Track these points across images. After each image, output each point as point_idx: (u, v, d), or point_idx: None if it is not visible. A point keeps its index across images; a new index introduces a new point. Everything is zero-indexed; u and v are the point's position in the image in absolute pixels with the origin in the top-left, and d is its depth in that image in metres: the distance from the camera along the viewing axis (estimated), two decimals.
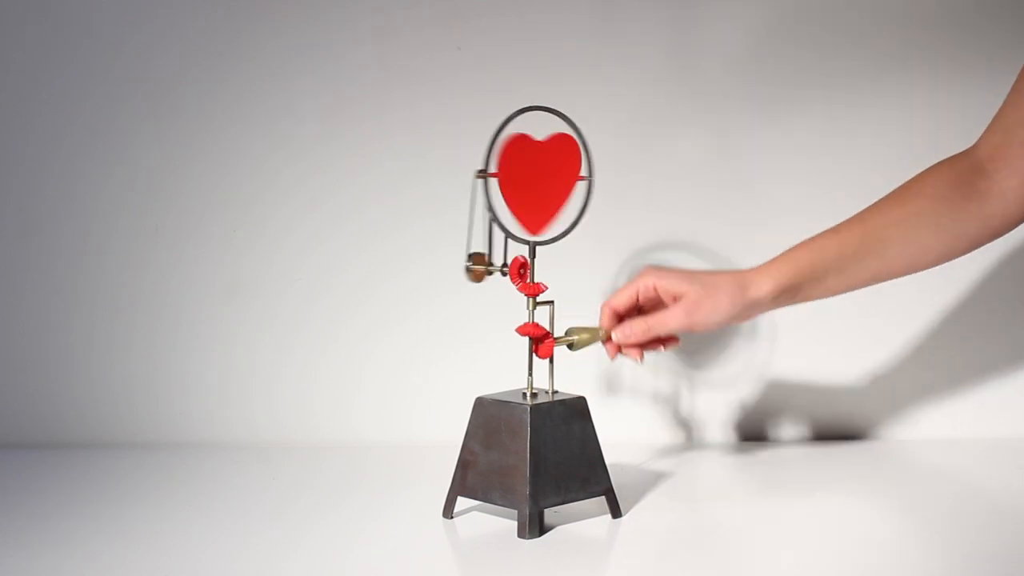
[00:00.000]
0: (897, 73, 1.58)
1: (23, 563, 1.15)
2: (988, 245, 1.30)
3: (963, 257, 1.31)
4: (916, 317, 1.61)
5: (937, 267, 1.31)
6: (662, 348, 1.30)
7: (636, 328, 1.27)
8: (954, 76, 1.58)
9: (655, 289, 1.28)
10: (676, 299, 1.27)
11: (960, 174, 1.28)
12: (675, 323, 1.27)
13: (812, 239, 1.30)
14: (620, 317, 1.29)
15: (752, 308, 1.28)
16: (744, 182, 1.60)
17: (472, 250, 1.23)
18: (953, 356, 1.61)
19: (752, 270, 1.29)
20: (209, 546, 1.19)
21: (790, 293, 1.28)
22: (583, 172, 1.24)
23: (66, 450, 1.58)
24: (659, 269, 1.29)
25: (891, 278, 1.31)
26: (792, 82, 1.59)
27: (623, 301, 1.28)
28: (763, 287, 1.27)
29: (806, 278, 1.28)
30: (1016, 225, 1.28)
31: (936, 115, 1.57)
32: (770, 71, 1.59)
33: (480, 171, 1.20)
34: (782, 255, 1.29)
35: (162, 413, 1.62)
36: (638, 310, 1.29)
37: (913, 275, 1.31)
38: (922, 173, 1.30)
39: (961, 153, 1.30)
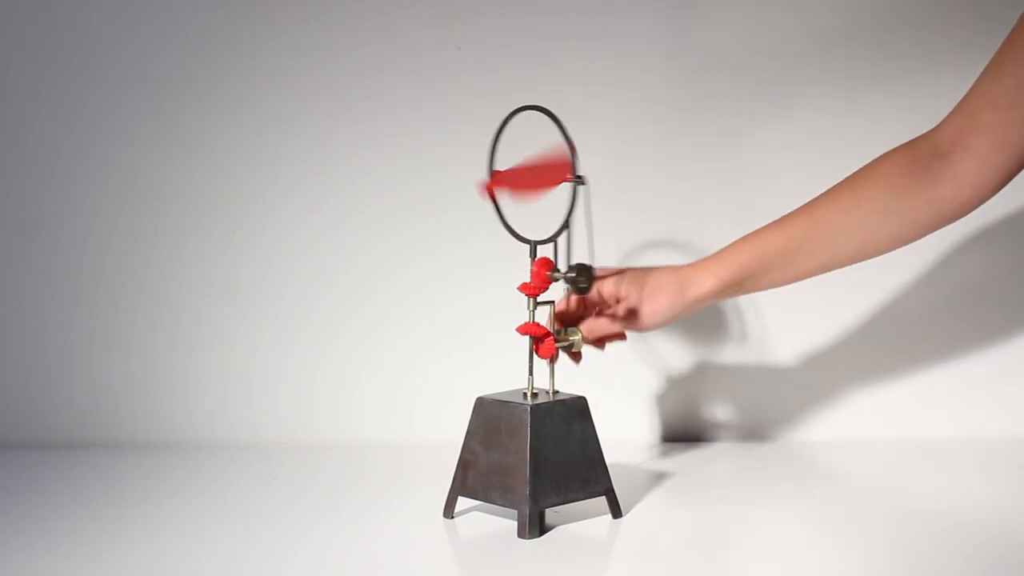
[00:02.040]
0: (897, 71, 1.58)
1: (23, 563, 1.15)
2: (939, 233, 1.29)
3: (912, 246, 1.30)
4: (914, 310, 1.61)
5: (888, 254, 1.31)
6: (603, 346, 1.33)
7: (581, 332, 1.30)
8: (955, 74, 1.57)
9: (597, 292, 1.30)
10: (618, 301, 1.30)
11: (915, 157, 1.26)
12: (615, 326, 1.30)
13: (757, 232, 1.30)
14: (564, 320, 1.31)
15: (693, 305, 1.30)
16: (744, 182, 1.60)
17: (575, 261, 1.23)
18: (952, 353, 1.60)
19: (693, 266, 1.30)
20: (209, 546, 1.19)
21: (734, 288, 1.30)
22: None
23: (66, 450, 1.58)
24: (600, 272, 1.30)
25: (843, 266, 1.31)
26: (792, 82, 1.59)
27: (566, 307, 1.31)
28: (704, 285, 1.29)
29: (750, 272, 1.29)
30: (968, 211, 1.26)
31: (936, 114, 1.57)
32: (770, 71, 1.59)
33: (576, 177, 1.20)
34: (725, 249, 1.31)
35: (162, 413, 1.62)
36: (587, 311, 1.32)
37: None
38: (876, 159, 1.29)
39: (921, 136, 1.28)
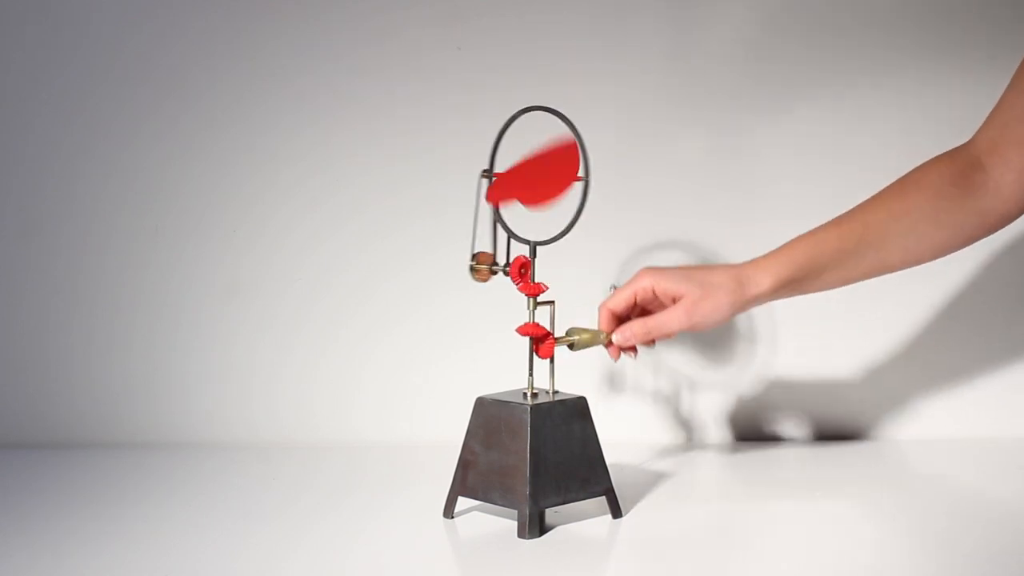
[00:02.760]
0: (898, 71, 1.58)
1: (23, 563, 1.15)
2: (984, 240, 1.31)
3: (960, 252, 1.31)
4: (912, 313, 1.60)
5: (934, 262, 1.31)
6: (653, 344, 1.31)
7: (636, 330, 1.28)
8: (955, 74, 1.58)
9: (653, 291, 1.28)
10: (675, 300, 1.28)
11: (957, 168, 1.28)
12: (676, 324, 1.27)
13: (811, 232, 1.30)
14: (618, 319, 1.29)
15: (751, 303, 1.29)
16: (744, 182, 1.60)
17: (476, 250, 1.23)
18: (949, 353, 1.60)
19: (750, 264, 1.29)
20: (209, 546, 1.19)
21: (789, 287, 1.29)
22: (580, 173, 1.24)
23: (66, 450, 1.57)
24: (656, 270, 1.29)
25: (889, 272, 1.31)
26: (792, 81, 1.59)
27: (621, 303, 1.29)
28: (762, 283, 1.28)
29: (805, 272, 1.28)
30: (1011, 220, 1.28)
31: (937, 113, 1.57)
32: (770, 70, 1.59)
33: (485, 171, 1.20)
34: (781, 249, 1.30)
35: (162, 413, 1.62)
36: (636, 310, 1.30)
37: (910, 269, 1.31)
38: (920, 167, 1.30)
39: (958, 148, 1.30)
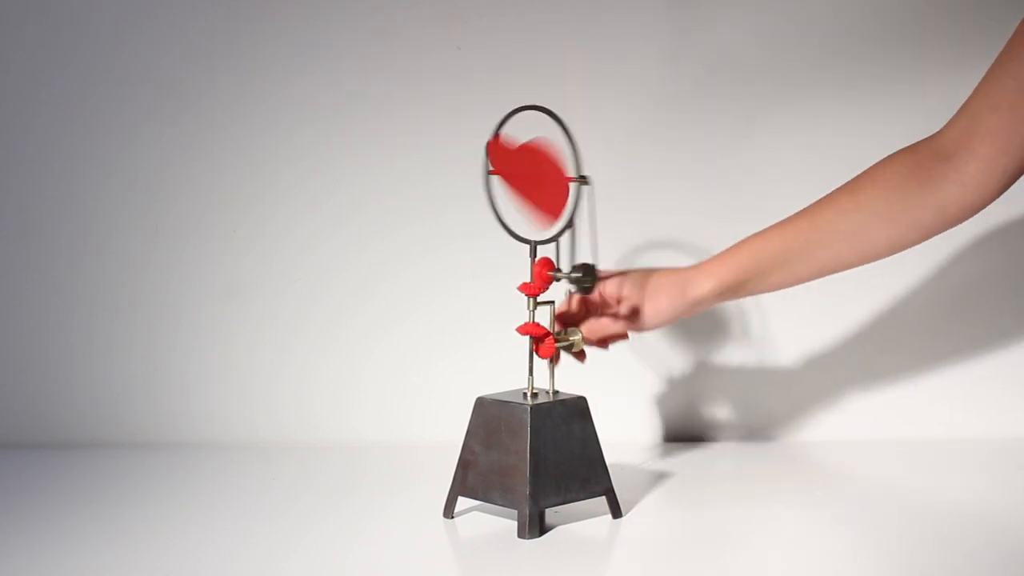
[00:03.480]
0: (898, 72, 1.58)
1: (23, 563, 1.15)
2: (941, 236, 1.29)
3: (916, 248, 1.30)
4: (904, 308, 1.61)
5: (889, 257, 1.31)
6: (606, 347, 1.34)
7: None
8: (956, 74, 1.57)
9: (599, 294, 1.31)
10: (619, 301, 1.31)
11: (918, 160, 1.26)
12: (616, 327, 1.31)
13: (757, 234, 1.31)
14: (567, 322, 1.32)
15: (693, 307, 1.31)
16: (744, 182, 1.60)
17: (579, 261, 1.24)
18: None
19: (694, 268, 1.31)
20: (209, 546, 1.19)
21: (734, 290, 1.30)
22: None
23: (66, 450, 1.58)
24: (603, 272, 1.30)
25: (844, 269, 1.31)
26: (792, 81, 1.59)
27: (573, 307, 1.32)
28: (703, 287, 1.29)
29: (750, 275, 1.29)
30: (971, 214, 1.26)
31: (937, 114, 1.57)
32: (770, 70, 1.59)
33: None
34: (726, 251, 1.31)
35: (162, 413, 1.62)
36: (586, 314, 1.33)
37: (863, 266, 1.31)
38: (879, 162, 1.29)
39: (924, 139, 1.28)
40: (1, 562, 1.15)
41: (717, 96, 1.59)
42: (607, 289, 1.31)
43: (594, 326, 1.31)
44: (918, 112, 1.58)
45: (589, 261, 1.25)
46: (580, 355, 1.31)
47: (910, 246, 1.29)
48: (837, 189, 1.30)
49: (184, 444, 1.60)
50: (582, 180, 1.23)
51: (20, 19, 1.59)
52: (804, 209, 1.30)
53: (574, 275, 1.24)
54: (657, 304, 1.30)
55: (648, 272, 1.32)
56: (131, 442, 1.60)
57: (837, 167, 1.58)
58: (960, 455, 1.52)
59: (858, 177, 1.30)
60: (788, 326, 1.60)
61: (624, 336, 1.34)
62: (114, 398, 1.62)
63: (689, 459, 1.52)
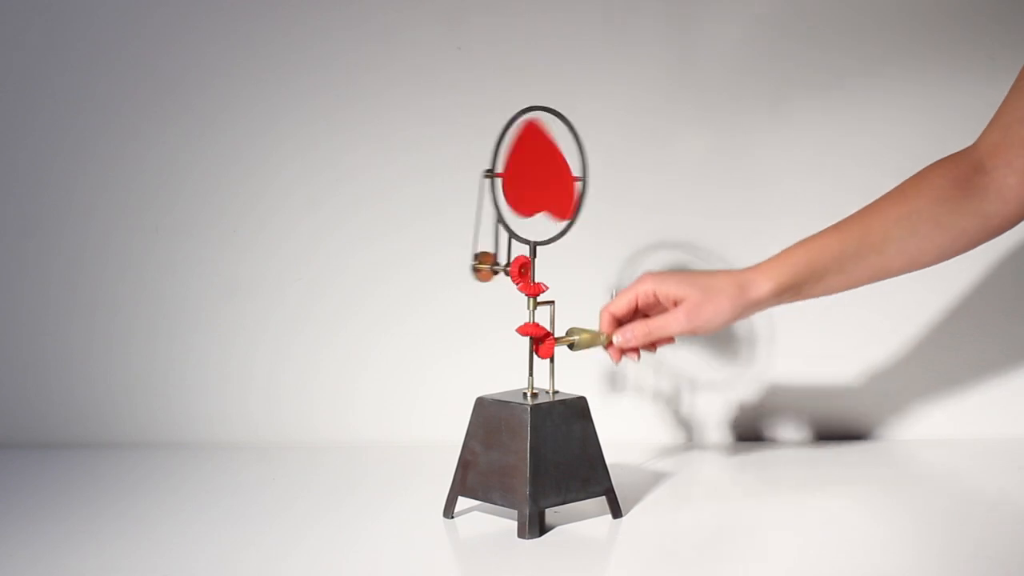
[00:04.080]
0: (899, 71, 1.58)
1: (23, 563, 1.15)
2: (987, 243, 1.31)
3: (963, 255, 1.31)
4: (914, 316, 1.61)
5: (936, 265, 1.31)
6: (654, 349, 1.32)
7: (637, 332, 1.28)
8: (957, 74, 1.58)
9: (654, 295, 1.29)
10: (676, 303, 1.28)
11: (960, 172, 1.28)
12: (677, 327, 1.28)
13: (812, 237, 1.30)
14: (619, 322, 1.30)
15: (752, 308, 1.29)
16: (745, 181, 1.60)
17: (479, 250, 1.23)
18: (951, 355, 1.61)
19: (751, 269, 1.29)
20: (209, 546, 1.19)
21: (791, 292, 1.29)
22: (577, 173, 1.24)
23: (66, 450, 1.57)
24: (658, 274, 1.29)
25: (891, 276, 1.31)
26: (793, 81, 1.59)
27: (622, 306, 1.29)
28: (763, 287, 1.28)
29: (806, 277, 1.28)
30: (1015, 224, 1.28)
31: (939, 114, 1.57)
32: (771, 70, 1.59)
33: (487, 171, 1.20)
34: (782, 253, 1.30)
35: (162, 413, 1.62)
36: (638, 314, 1.30)
37: (912, 273, 1.31)
38: (922, 171, 1.30)
39: (961, 151, 1.30)
40: (1, 562, 1.15)
41: (717, 96, 1.59)
42: (664, 290, 1.28)
43: (652, 326, 1.28)
44: (918, 111, 1.58)
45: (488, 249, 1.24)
46: (623, 353, 1.29)
47: (956, 255, 1.30)
48: (885, 196, 1.30)
49: (184, 444, 1.60)
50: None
51: (20, 19, 1.59)
52: (855, 214, 1.30)
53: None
54: (718, 305, 1.27)
55: (702, 274, 1.31)
56: (131, 442, 1.60)
57: (837, 168, 1.59)
58: (959, 455, 1.52)
59: (905, 185, 1.30)
60: (788, 326, 1.60)
61: (671, 339, 1.31)
62: (114, 398, 1.62)
63: (689, 459, 1.52)
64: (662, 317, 1.28)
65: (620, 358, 1.30)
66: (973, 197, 1.27)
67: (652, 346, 1.31)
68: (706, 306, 1.27)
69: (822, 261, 1.28)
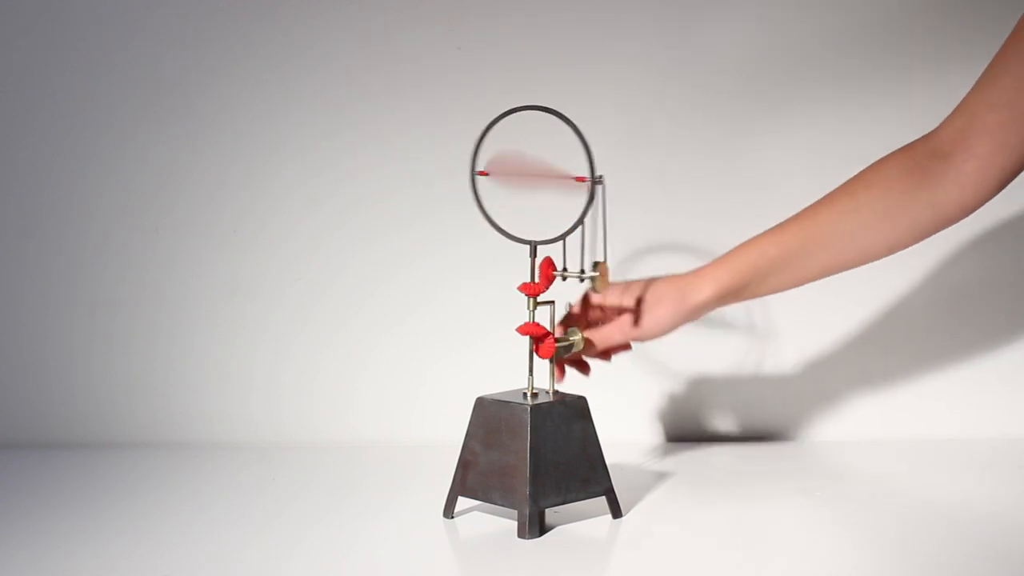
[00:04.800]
0: (899, 71, 1.58)
1: (23, 563, 1.15)
2: (940, 235, 1.29)
3: (914, 248, 1.30)
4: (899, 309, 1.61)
5: (890, 256, 1.31)
6: (609, 358, 1.34)
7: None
8: (956, 73, 1.57)
9: (600, 307, 1.31)
10: (620, 313, 1.30)
11: (915, 159, 1.26)
12: (619, 336, 1.31)
13: (756, 238, 1.31)
14: (567, 324, 1.32)
15: (695, 313, 1.30)
16: (745, 181, 1.60)
17: (597, 259, 1.24)
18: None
19: (693, 274, 1.31)
20: (209, 546, 1.19)
21: (734, 294, 1.30)
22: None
23: (66, 450, 1.58)
24: (599, 288, 1.30)
25: (843, 270, 1.31)
26: (794, 81, 1.59)
27: (572, 322, 1.32)
28: (703, 292, 1.29)
29: (749, 278, 1.29)
30: (969, 212, 1.26)
31: (938, 114, 1.57)
32: (772, 70, 1.59)
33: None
34: (725, 256, 1.31)
35: (162, 413, 1.62)
36: (587, 326, 1.33)
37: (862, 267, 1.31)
38: (876, 162, 1.29)
39: (919, 138, 1.28)
40: (1, 562, 1.15)
41: (717, 96, 1.59)
42: (608, 300, 1.31)
43: (596, 337, 1.31)
44: (919, 111, 1.57)
45: (600, 259, 1.25)
46: (584, 368, 1.32)
47: (909, 245, 1.29)
48: (834, 191, 1.30)
49: (184, 444, 1.60)
50: (597, 180, 1.23)
51: (20, 19, 1.59)
52: (802, 211, 1.30)
53: (593, 274, 1.24)
54: (657, 313, 1.30)
55: (647, 281, 1.32)
56: (131, 442, 1.60)
57: (841, 166, 1.58)
58: (962, 455, 1.52)
59: (855, 178, 1.29)
60: (788, 326, 1.60)
61: (627, 347, 1.34)
62: (114, 398, 1.62)
63: (689, 459, 1.52)
64: (605, 328, 1.31)
65: (563, 375, 1.31)
66: (926, 185, 1.25)
67: (606, 355, 1.33)
68: (645, 315, 1.30)
69: (765, 261, 1.29)
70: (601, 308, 1.32)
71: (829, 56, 1.58)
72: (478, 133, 1.23)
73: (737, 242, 1.37)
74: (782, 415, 1.61)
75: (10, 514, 1.31)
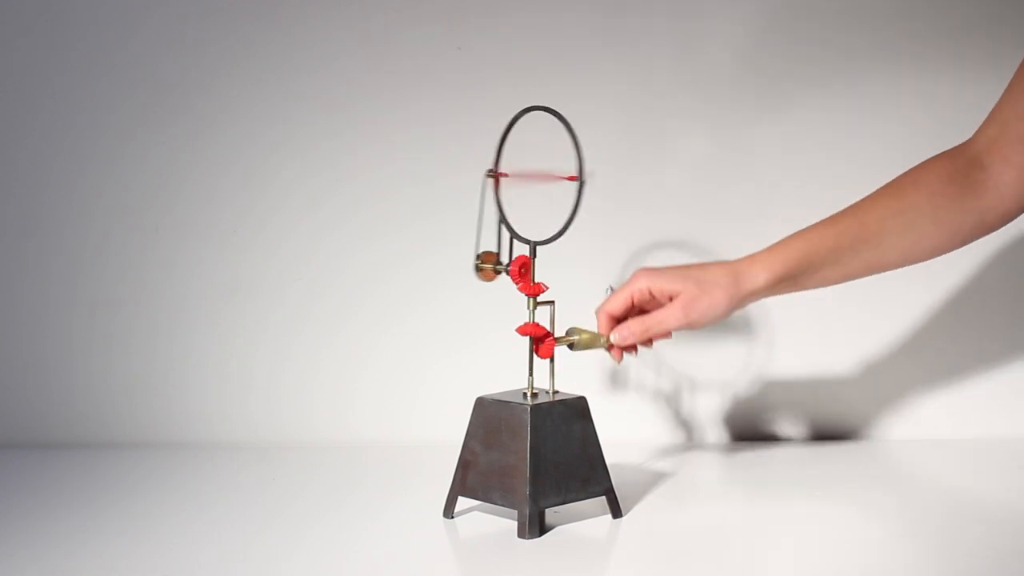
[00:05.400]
0: (899, 70, 1.58)
1: (23, 563, 1.15)
2: (983, 239, 1.30)
3: (958, 251, 1.31)
4: (908, 312, 1.61)
5: (932, 260, 1.31)
6: (651, 344, 1.31)
7: (634, 329, 1.28)
8: (958, 72, 1.58)
9: (649, 291, 1.28)
10: (672, 298, 1.28)
11: (956, 167, 1.27)
12: (674, 322, 1.28)
13: (809, 229, 1.30)
14: (616, 321, 1.30)
15: (748, 299, 1.29)
16: (746, 180, 1.60)
17: (481, 249, 1.23)
18: (945, 353, 1.60)
19: (746, 260, 1.29)
20: (209, 546, 1.19)
21: (785, 283, 1.29)
22: (576, 173, 1.24)
23: (66, 450, 1.57)
24: (652, 270, 1.29)
25: (886, 270, 1.31)
26: (795, 78, 1.59)
27: (618, 306, 1.29)
28: (759, 278, 1.28)
29: (801, 269, 1.28)
30: (1010, 219, 1.28)
31: (938, 112, 1.57)
32: (772, 68, 1.59)
33: (490, 171, 1.20)
34: (777, 244, 1.30)
35: (162, 413, 1.62)
36: (634, 311, 1.30)
37: (908, 268, 1.31)
38: (918, 166, 1.30)
39: (958, 147, 1.30)
40: (1, 562, 1.15)
41: (718, 96, 1.59)
42: (659, 286, 1.28)
43: (649, 322, 1.28)
44: (919, 110, 1.58)
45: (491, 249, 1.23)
46: (632, 350, 1.29)
47: (951, 250, 1.30)
48: (881, 189, 1.30)
49: (184, 444, 1.60)
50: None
51: (20, 19, 1.59)
52: (851, 207, 1.30)
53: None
54: (713, 298, 1.27)
55: (696, 267, 1.30)
56: (131, 442, 1.60)
57: (838, 167, 1.59)
58: (955, 455, 1.52)
59: (900, 179, 1.30)
60: (789, 326, 1.60)
61: (668, 334, 1.31)
62: (114, 398, 1.62)
63: (689, 459, 1.52)
64: (658, 313, 1.28)
65: (622, 358, 1.30)
66: (969, 193, 1.26)
67: (648, 341, 1.31)
68: (701, 299, 1.27)
69: (818, 253, 1.28)
70: (650, 292, 1.28)
71: (830, 56, 1.58)
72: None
73: (738, 242, 1.37)
74: (783, 416, 1.61)
75: (10, 514, 1.31)
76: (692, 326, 1.28)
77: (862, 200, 1.30)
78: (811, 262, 1.28)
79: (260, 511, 1.31)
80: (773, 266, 1.28)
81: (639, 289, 1.28)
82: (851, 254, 1.28)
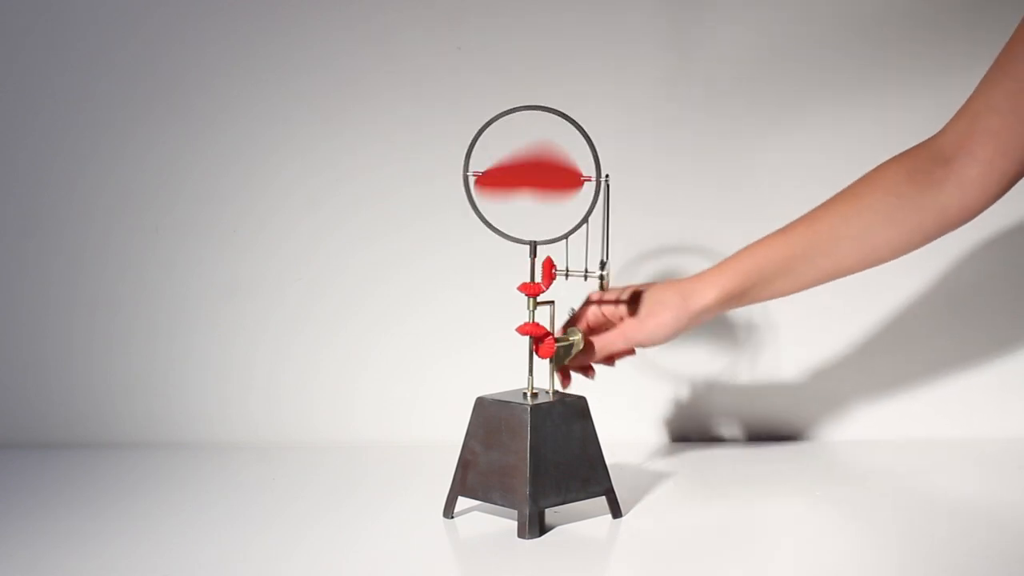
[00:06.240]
0: (899, 71, 1.58)
1: (23, 563, 1.15)
2: (943, 240, 1.29)
3: (918, 251, 1.30)
4: (904, 307, 1.61)
5: (894, 261, 1.30)
6: (613, 363, 1.34)
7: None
8: (958, 72, 1.57)
9: (602, 313, 1.31)
10: (622, 319, 1.30)
11: (917, 165, 1.26)
12: (622, 343, 1.30)
13: (759, 242, 1.30)
14: (566, 327, 1.32)
15: (697, 318, 1.30)
16: (746, 182, 1.60)
17: (606, 258, 1.24)
18: (947, 352, 1.60)
19: (695, 278, 1.30)
20: (209, 546, 1.19)
21: (737, 299, 1.29)
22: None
23: (66, 450, 1.57)
24: (601, 293, 1.30)
25: (846, 274, 1.30)
26: (795, 81, 1.59)
27: (582, 313, 1.32)
28: (706, 296, 1.28)
29: (752, 283, 1.29)
30: (972, 216, 1.25)
31: (941, 117, 1.57)
32: (773, 70, 1.59)
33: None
34: (727, 260, 1.30)
35: (162, 413, 1.62)
36: (600, 329, 1.32)
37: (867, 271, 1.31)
38: (879, 166, 1.29)
39: (922, 143, 1.27)
40: (1, 562, 1.15)
41: (719, 96, 1.59)
42: (608, 309, 1.30)
43: (599, 344, 1.30)
44: (921, 113, 1.57)
45: (604, 258, 1.25)
46: (588, 371, 1.32)
47: (912, 249, 1.29)
48: (837, 195, 1.30)
49: (184, 444, 1.60)
50: (601, 178, 1.24)
51: (20, 19, 1.59)
52: (804, 215, 1.30)
53: (600, 272, 1.24)
54: (660, 318, 1.29)
55: (648, 286, 1.32)
56: (131, 442, 1.60)
57: (840, 168, 1.58)
58: (962, 455, 1.53)
59: (857, 182, 1.29)
60: (790, 327, 1.60)
61: (631, 352, 1.33)
62: (114, 398, 1.62)
63: (689, 459, 1.52)
64: (607, 335, 1.30)
65: (569, 383, 1.31)
66: (929, 189, 1.24)
67: (609, 360, 1.33)
68: (647, 321, 1.29)
69: (768, 266, 1.28)
70: (603, 314, 1.31)
71: (830, 57, 1.58)
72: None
73: (739, 242, 1.37)
74: (783, 416, 1.61)
75: (10, 514, 1.31)
76: (641, 345, 1.31)
77: (818, 206, 1.29)
78: (762, 275, 1.28)
79: (260, 511, 1.31)
80: (722, 283, 1.29)
81: (592, 311, 1.32)
82: (804, 263, 1.28)
